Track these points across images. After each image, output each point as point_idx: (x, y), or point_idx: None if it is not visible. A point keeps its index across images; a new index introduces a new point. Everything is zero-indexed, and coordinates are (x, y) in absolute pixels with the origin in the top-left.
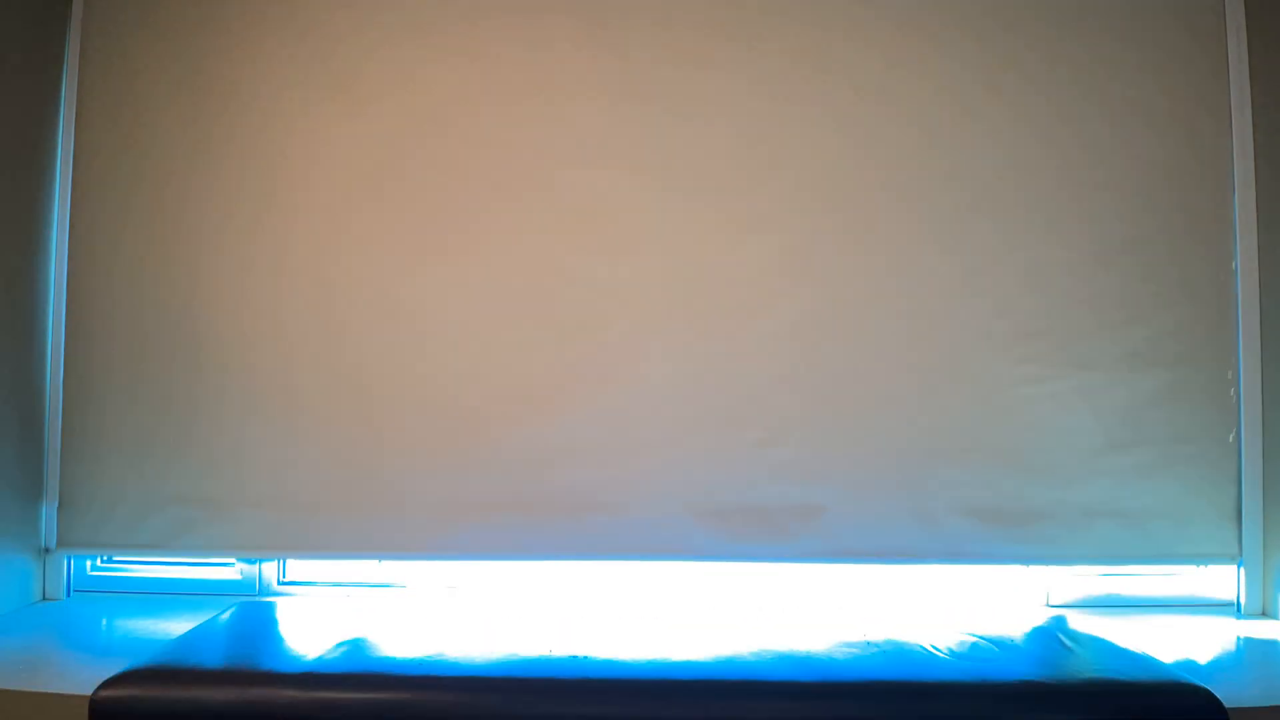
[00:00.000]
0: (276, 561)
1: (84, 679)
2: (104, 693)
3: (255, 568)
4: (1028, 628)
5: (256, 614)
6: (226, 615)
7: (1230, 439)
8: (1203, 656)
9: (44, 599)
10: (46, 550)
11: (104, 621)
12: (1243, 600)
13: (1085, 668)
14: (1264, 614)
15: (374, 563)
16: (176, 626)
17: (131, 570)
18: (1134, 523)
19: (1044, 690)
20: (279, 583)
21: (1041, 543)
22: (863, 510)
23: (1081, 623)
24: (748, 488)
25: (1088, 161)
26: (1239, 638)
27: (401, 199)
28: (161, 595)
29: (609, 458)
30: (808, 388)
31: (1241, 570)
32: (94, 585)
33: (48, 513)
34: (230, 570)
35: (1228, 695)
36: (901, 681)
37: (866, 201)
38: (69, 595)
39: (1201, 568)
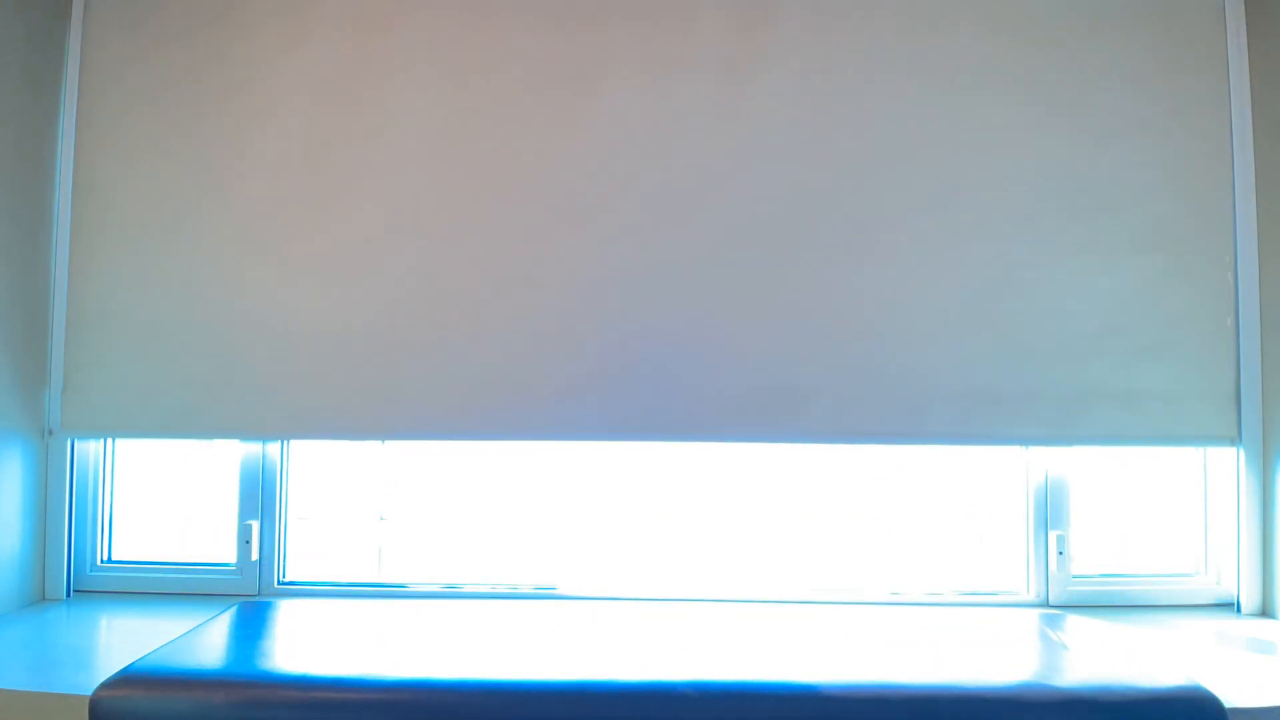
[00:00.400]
0: (280, 443)
1: (84, 679)
2: (104, 693)
3: (255, 563)
4: (1027, 626)
5: (256, 614)
6: (226, 615)
7: (1229, 322)
8: (1202, 656)
9: (44, 599)
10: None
11: (104, 621)
12: (1243, 600)
13: (1084, 668)
14: (1264, 614)
15: (379, 446)
16: (176, 627)
17: (131, 570)
18: (1133, 404)
19: (1042, 692)
20: (278, 583)
21: (1040, 424)
22: (859, 392)
23: (1080, 622)
24: (745, 369)
25: (1086, 49)
26: (1239, 637)
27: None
28: (161, 595)
29: (603, 342)
30: (802, 269)
31: (1241, 453)
32: (94, 585)
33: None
34: (229, 568)
35: (1227, 695)
36: (898, 688)
37: (859, 90)
38: (69, 595)
39: (1204, 452)
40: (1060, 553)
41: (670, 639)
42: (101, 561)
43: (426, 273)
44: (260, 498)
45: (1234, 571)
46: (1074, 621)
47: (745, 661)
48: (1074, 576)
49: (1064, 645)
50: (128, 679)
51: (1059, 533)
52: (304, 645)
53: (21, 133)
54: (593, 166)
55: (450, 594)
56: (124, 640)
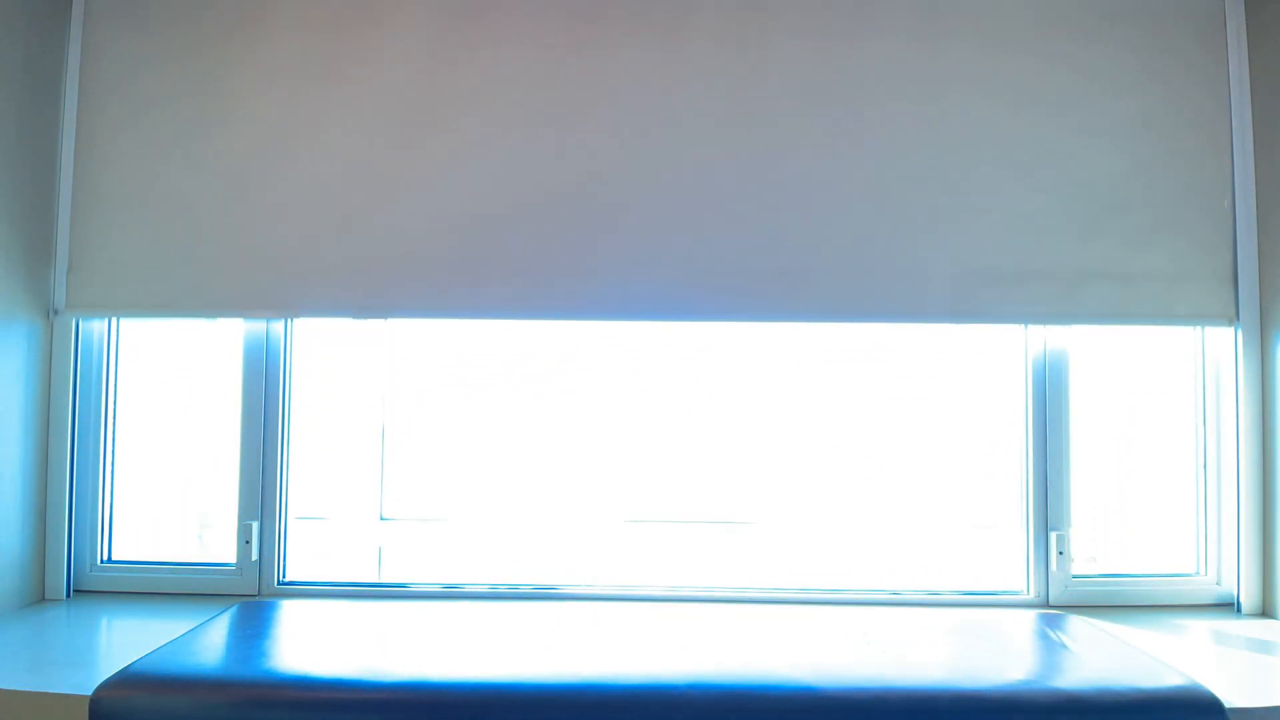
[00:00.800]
0: (283, 321)
1: (84, 679)
2: (104, 693)
3: (255, 563)
4: (1027, 626)
5: (256, 614)
6: (226, 615)
7: (1225, 204)
8: (1202, 656)
9: (44, 599)
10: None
11: (104, 621)
12: (1243, 600)
13: (1084, 667)
14: (1264, 614)
15: (381, 326)
16: (176, 627)
17: (131, 570)
18: (1131, 284)
19: (1042, 692)
20: (279, 583)
21: (1039, 302)
22: (860, 271)
23: (1080, 622)
24: (746, 249)
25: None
26: (1239, 637)
27: None
28: (161, 595)
29: (602, 220)
30: (802, 149)
31: (1239, 334)
32: (94, 585)
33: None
34: (229, 568)
35: (1227, 695)
36: (898, 688)
37: None
38: (69, 595)
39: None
40: (1060, 552)
41: (670, 639)
42: (101, 561)
43: (430, 150)
44: (260, 496)
45: (1234, 571)
46: (1074, 621)
47: (745, 661)
48: (1074, 576)
49: (1064, 645)
50: (128, 679)
51: (1059, 533)
52: (304, 645)
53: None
54: (598, 52)
55: (450, 594)
56: (124, 640)
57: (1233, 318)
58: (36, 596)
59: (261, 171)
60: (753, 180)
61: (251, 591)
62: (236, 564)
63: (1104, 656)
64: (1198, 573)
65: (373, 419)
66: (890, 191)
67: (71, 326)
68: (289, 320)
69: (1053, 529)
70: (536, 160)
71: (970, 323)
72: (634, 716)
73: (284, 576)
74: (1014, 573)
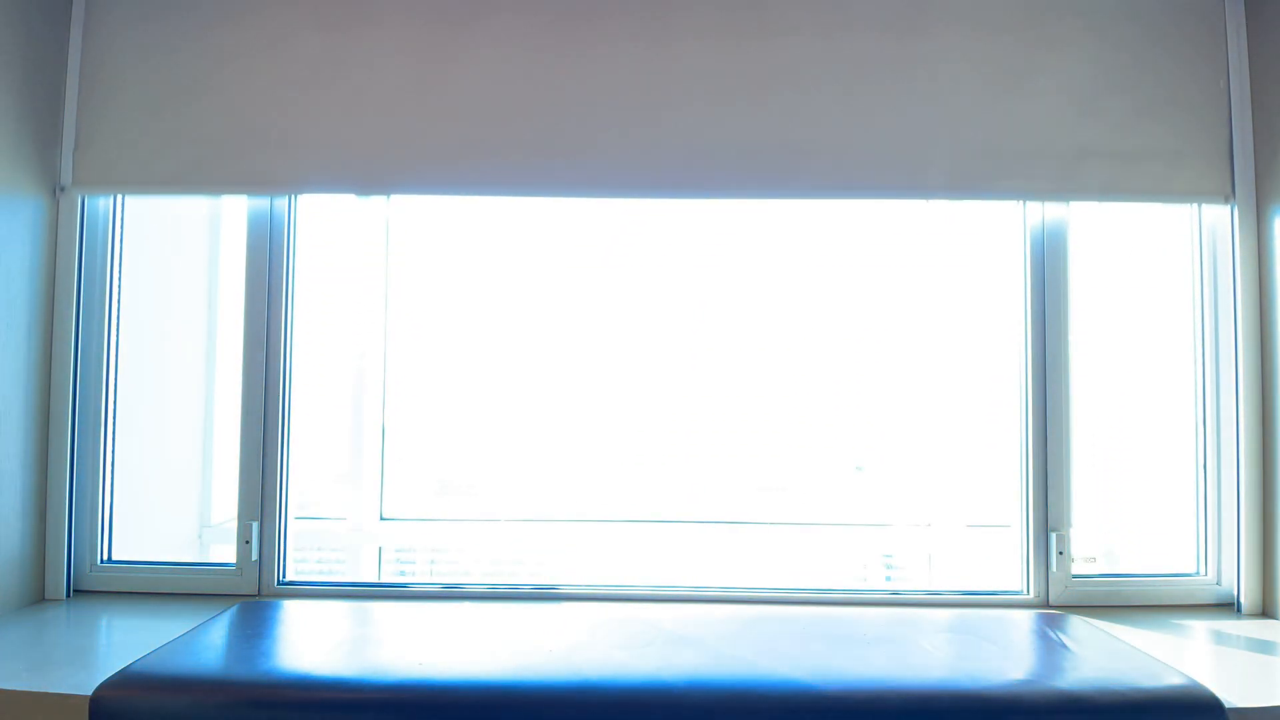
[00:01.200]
0: (287, 199)
1: (84, 679)
2: (104, 693)
3: (255, 563)
4: (1026, 626)
5: (256, 614)
6: (226, 615)
7: (1221, 84)
8: (1202, 656)
9: (44, 599)
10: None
11: (104, 621)
12: (1243, 600)
13: (1085, 667)
14: (1264, 614)
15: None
16: (176, 627)
17: (131, 570)
18: (1128, 161)
19: (1042, 692)
20: (278, 583)
21: (1038, 178)
22: (860, 148)
23: (1080, 622)
24: (745, 124)
25: None
26: (1239, 637)
27: None
28: (161, 595)
29: (607, 97)
30: (803, 27)
31: (1235, 213)
32: (94, 585)
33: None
34: (229, 568)
35: (1227, 695)
36: (898, 688)
37: None
38: (69, 595)
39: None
40: (1060, 552)
41: (671, 638)
42: (101, 561)
43: (438, 31)
44: (261, 496)
45: (1234, 571)
46: (1074, 621)
47: (745, 661)
48: (1074, 576)
49: (1064, 645)
50: (128, 679)
51: (1059, 533)
52: (304, 645)
53: None
54: None
55: (450, 594)
56: (124, 640)
57: (1229, 195)
58: (36, 596)
59: (267, 49)
60: (750, 60)
61: (251, 591)
62: (236, 564)
63: (1104, 656)
64: (1198, 573)
65: (373, 417)
66: (887, 69)
67: (77, 204)
68: (293, 199)
69: (1053, 529)
70: (544, 47)
71: (969, 198)
72: (634, 716)
73: (284, 576)
74: (1013, 572)
